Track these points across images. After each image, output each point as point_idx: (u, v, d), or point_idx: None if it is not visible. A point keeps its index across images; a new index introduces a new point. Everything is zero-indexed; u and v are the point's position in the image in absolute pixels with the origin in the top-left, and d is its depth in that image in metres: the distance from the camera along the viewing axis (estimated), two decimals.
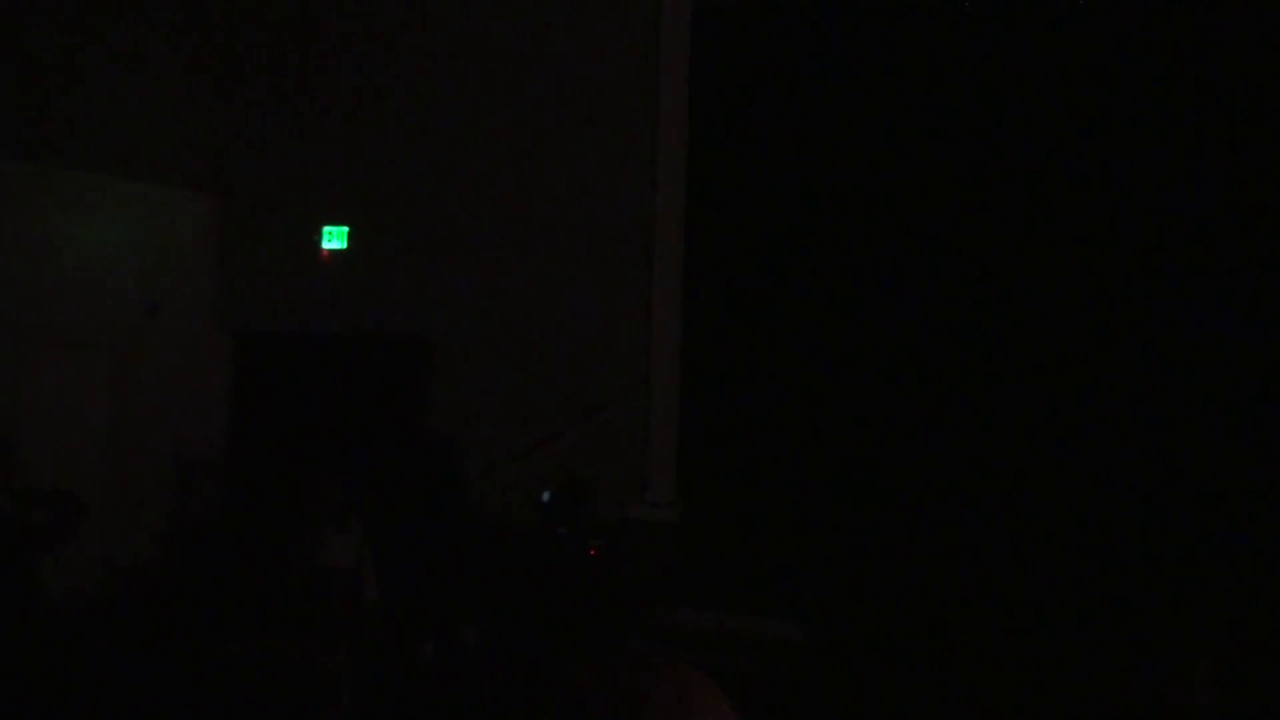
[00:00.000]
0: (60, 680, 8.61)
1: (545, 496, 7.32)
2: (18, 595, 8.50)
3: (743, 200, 10.95)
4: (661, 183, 10.96)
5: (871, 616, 9.02)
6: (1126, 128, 9.98)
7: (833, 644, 8.71)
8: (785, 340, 10.85)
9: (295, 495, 9.03)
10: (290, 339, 12.03)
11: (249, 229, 12.03)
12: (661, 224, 10.96)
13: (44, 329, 10.33)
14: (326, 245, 11.78)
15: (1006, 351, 10.23)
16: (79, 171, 10.55)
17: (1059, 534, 9.59)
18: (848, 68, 10.72)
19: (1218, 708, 5.67)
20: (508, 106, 11.31)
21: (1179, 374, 9.71)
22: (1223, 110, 9.76)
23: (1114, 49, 10.03)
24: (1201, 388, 9.66)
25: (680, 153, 10.97)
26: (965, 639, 8.58)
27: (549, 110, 11.20)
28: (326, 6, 11.88)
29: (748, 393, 10.94)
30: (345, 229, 11.74)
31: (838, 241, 10.72)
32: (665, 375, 11.01)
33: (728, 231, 11.00)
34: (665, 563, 10.15)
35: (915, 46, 10.53)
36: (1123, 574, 9.16)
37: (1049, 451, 9.95)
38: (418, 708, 7.98)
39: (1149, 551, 9.28)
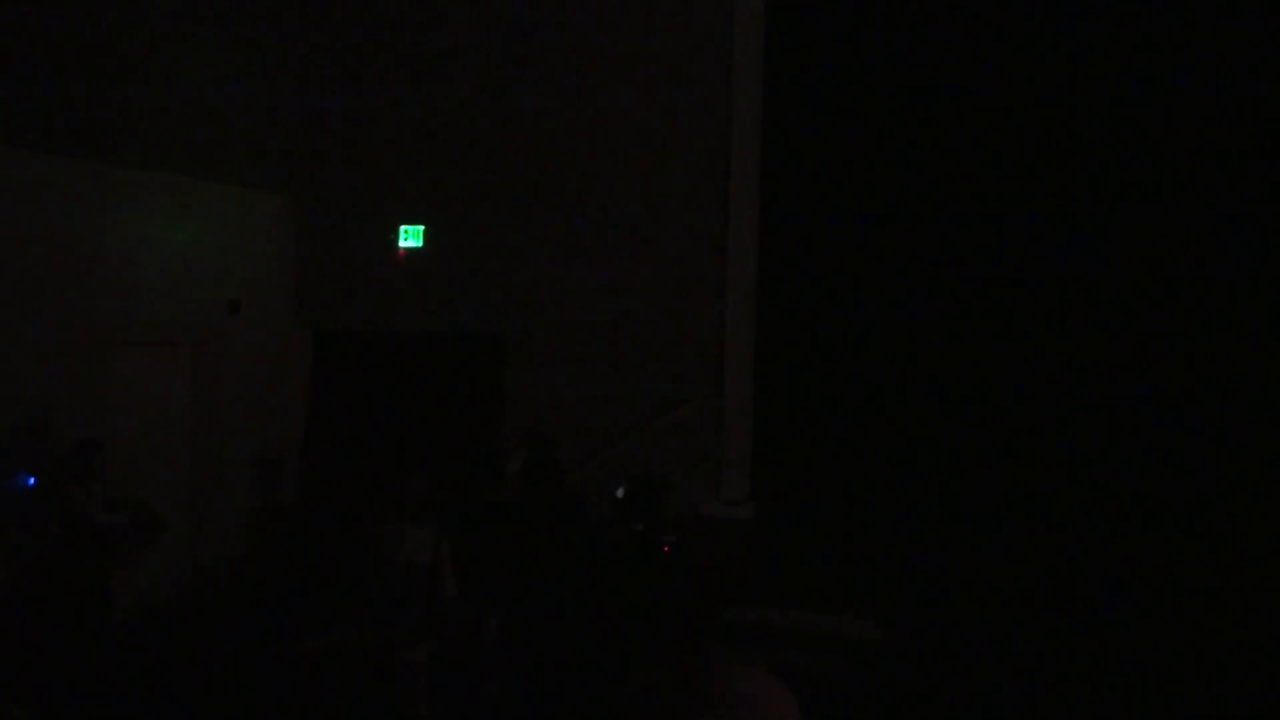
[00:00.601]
0: (144, 675, 8.79)
1: (620, 493, 7.37)
2: (97, 598, 8.70)
3: (818, 196, 10.93)
4: (735, 180, 10.96)
5: (945, 614, 8.98)
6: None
7: (906, 642, 8.68)
8: (860, 337, 10.82)
9: (373, 492, 9.15)
10: (367, 337, 12.18)
11: (327, 228, 12.18)
12: (735, 221, 10.97)
13: (129, 328, 10.52)
14: (403, 244, 11.90)
15: (1090, 348, 10.15)
16: (162, 173, 10.74)
17: (1137, 537, 9.50)
18: (927, 54, 10.66)
19: None
20: (582, 106, 11.36)
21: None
22: None
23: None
24: None
25: (754, 150, 10.97)
26: (1038, 638, 8.52)
27: (624, 110, 11.24)
28: (402, 8, 11.99)
29: (822, 390, 10.93)
30: (421, 228, 11.85)
31: (917, 235, 10.67)
32: (739, 372, 11.02)
33: (803, 228, 10.98)
34: (738, 560, 10.16)
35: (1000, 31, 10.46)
36: (1200, 574, 9.07)
37: (1131, 457, 9.87)
38: (493, 701, 8.06)
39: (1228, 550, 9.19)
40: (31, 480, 8.83)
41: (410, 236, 11.87)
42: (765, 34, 11.05)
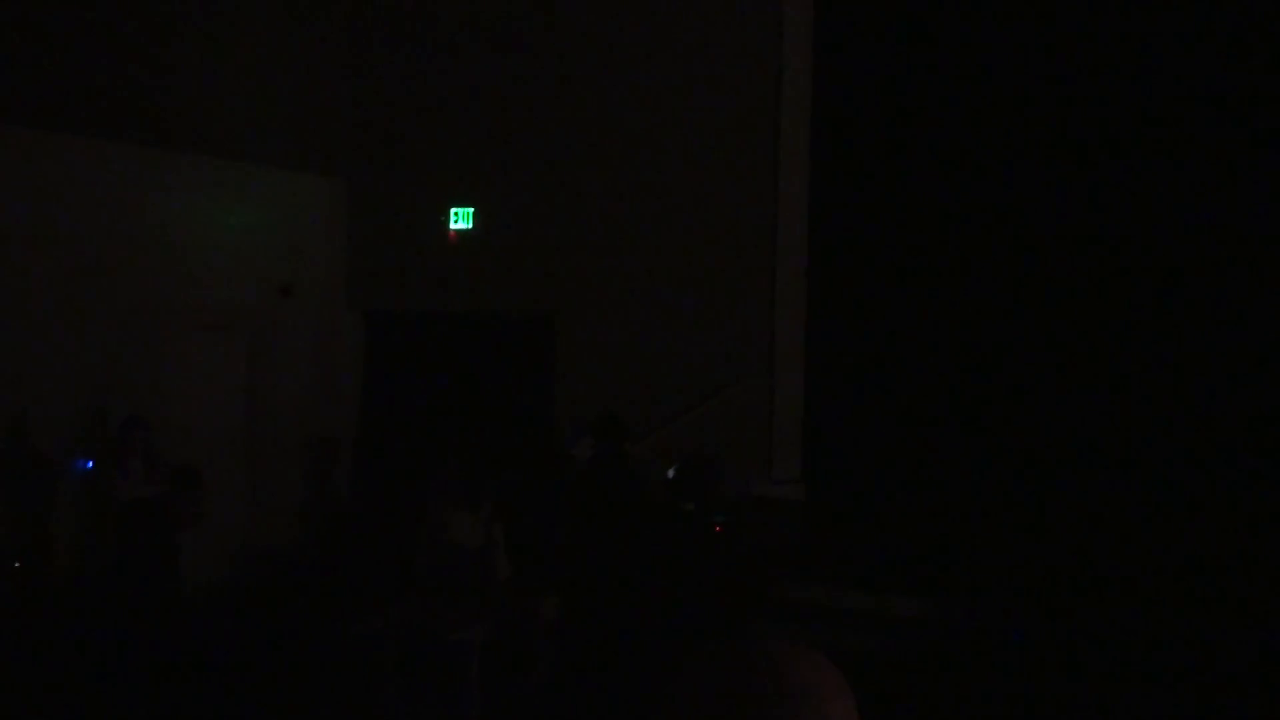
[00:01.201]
0: (198, 655, 8.91)
1: (671, 473, 7.37)
2: (162, 571, 8.80)
3: (869, 177, 10.88)
4: (785, 162, 10.94)
5: (995, 594, 8.95)
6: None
7: (956, 622, 8.66)
8: (911, 317, 10.78)
9: (425, 474, 9.21)
10: (418, 319, 12.24)
11: (378, 211, 12.26)
12: (785, 203, 10.95)
13: (185, 312, 10.64)
14: (453, 226, 11.95)
15: (1148, 323, 10.08)
16: (217, 158, 10.84)
17: (1187, 518, 9.43)
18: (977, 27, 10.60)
19: None
20: (634, 88, 11.36)
21: None
22: None
23: None
24: None
25: (804, 130, 10.94)
26: (1088, 619, 8.48)
27: (675, 92, 11.23)
28: None
29: (872, 370, 10.90)
30: (471, 210, 11.90)
31: (971, 215, 10.61)
32: (790, 352, 11.00)
33: (854, 209, 10.94)
34: (789, 540, 10.17)
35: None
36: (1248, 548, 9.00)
37: (1181, 435, 9.80)
38: (546, 683, 8.12)
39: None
40: (89, 464, 8.97)
41: (461, 219, 11.92)
42: (814, 11, 10.99)
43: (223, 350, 11.20)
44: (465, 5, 11.97)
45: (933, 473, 10.41)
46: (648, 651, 6.84)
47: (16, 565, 8.86)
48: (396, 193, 12.15)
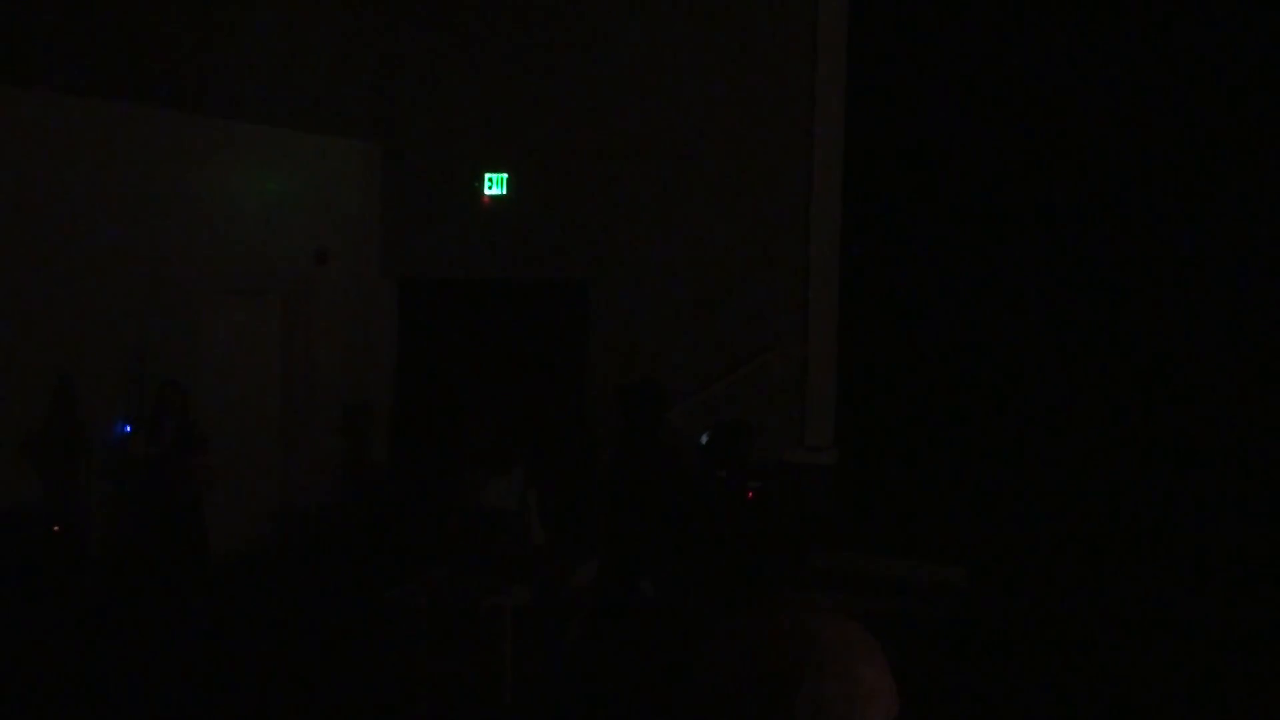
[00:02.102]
0: (234, 619, 9.00)
1: (704, 439, 7.37)
2: (182, 531, 8.90)
3: (905, 144, 10.82)
4: (820, 128, 10.88)
5: (1028, 560, 8.95)
6: None
7: (989, 588, 8.66)
8: (945, 284, 10.74)
9: (458, 439, 9.26)
10: (452, 284, 12.27)
11: (412, 177, 12.27)
12: (820, 169, 10.90)
13: (222, 277, 10.70)
14: (488, 191, 11.95)
15: (1181, 298, 10.03)
16: (252, 124, 10.87)
17: (1227, 481, 9.40)
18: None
19: None
20: (670, 53, 11.32)
21: None
22: None
23: None
24: None
25: (839, 95, 10.88)
26: (1122, 584, 8.47)
27: (711, 58, 11.18)
28: None
29: (906, 336, 10.87)
30: (505, 175, 11.90)
31: (1005, 184, 10.56)
32: (824, 318, 10.98)
33: (889, 176, 10.89)
34: (823, 506, 10.18)
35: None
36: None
37: (1219, 404, 9.76)
38: (579, 647, 8.16)
39: None
40: (128, 428, 9.05)
41: (495, 184, 11.92)
42: None
43: (259, 315, 11.27)
44: None
45: (965, 440, 10.40)
46: (681, 618, 6.87)
47: (56, 529, 8.97)
48: (431, 159, 12.16)
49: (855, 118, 10.89)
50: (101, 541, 9.49)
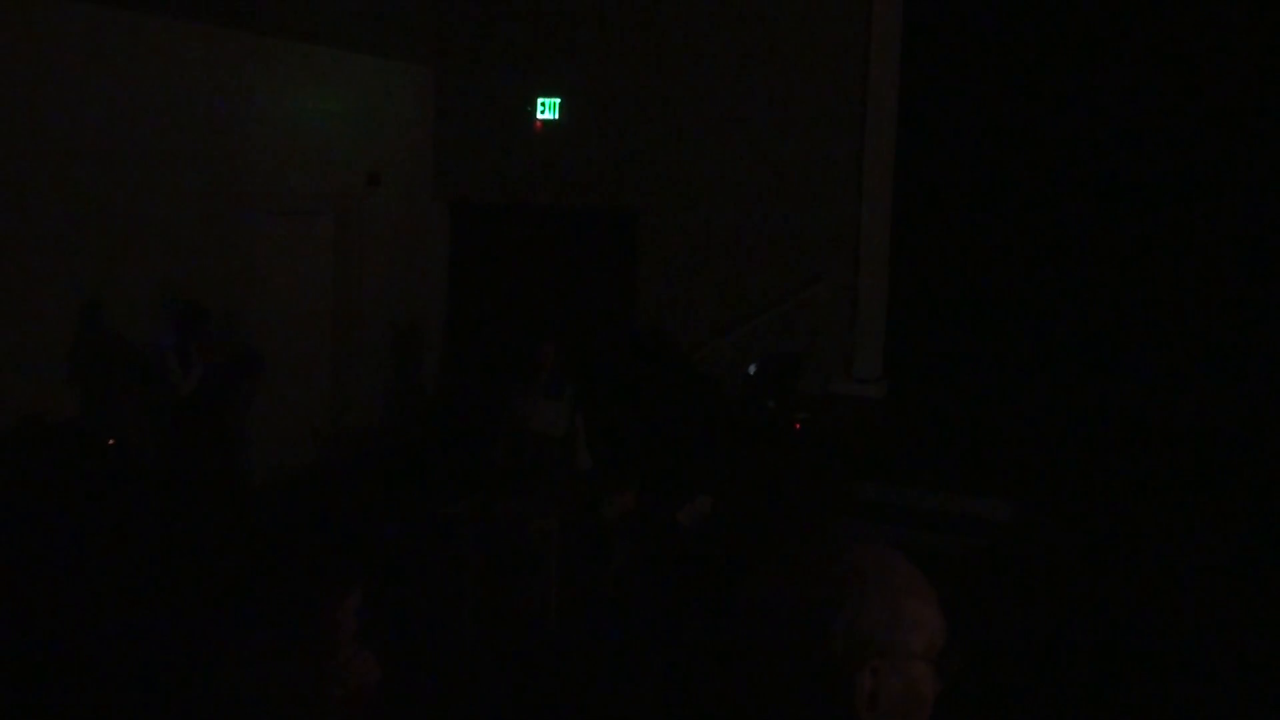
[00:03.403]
0: (279, 539, 9.11)
1: (751, 369, 7.39)
2: (222, 444, 9.00)
3: (961, 76, 10.68)
4: (875, 58, 10.75)
5: (1077, 495, 8.91)
6: None
7: (1037, 523, 8.64)
8: (997, 216, 10.64)
9: (508, 364, 9.30)
10: (503, 210, 12.27)
11: (465, 100, 12.23)
12: (874, 95, 10.78)
13: (273, 198, 10.72)
14: (540, 116, 11.90)
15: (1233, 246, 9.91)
16: (305, 44, 10.85)
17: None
18: None
19: None
20: None
21: None
22: None
23: None
24: None
25: (896, 18, 10.73)
26: (1171, 522, 8.42)
27: None
28: None
29: (957, 268, 10.79)
30: (558, 100, 11.84)
31: (1062, 118, 10.43)
32: (875, 249, 10.90)
33: (944, 106, 10.76)
34: (869, 438, 10.16)
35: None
36: None
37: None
38: (622, 573, 8.22)
39: None
40: (170, 344, 9.13)
41: (547, 109, 11.87)
42: None
43: (311, 237, 11.30)
44: None
45: (1014, 374, 10.34)
46: (725, 547, 6.91)
47: (111, 443, 9.07)
48: (484, 82, 12.11)
49: (912, 47, 10.75)
50: (157, 455, 9.59)
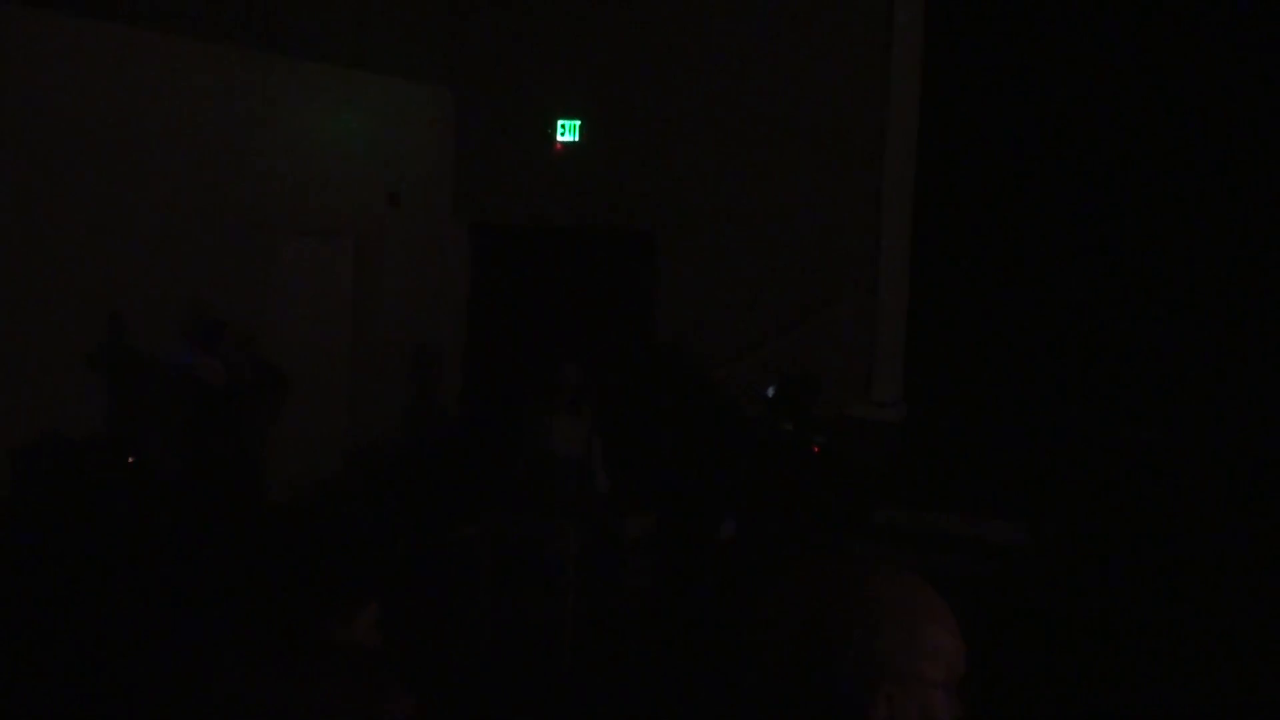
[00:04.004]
0: (294, 555, 9.09)
1: (769, 391, 7.37)
2: (242, 461, 9.00)
3: (981, 101, 10.67)
4: (894, 79, 10.75)
5: (1093, 521, 8.86)
6: None
7: (1053, 548, 8.59)
8: (1017, 241, 10.61)
9: (527, 383, 9.30)
10: (523, 230, 12.29)
11: (485, 121, 12.26)
12: (894, 123, 10.77)
13: (294, 217, 10.76)
14: (560, 138, 11.93)
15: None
16: (325, 64, 10.90)
17: None
18: None
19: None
20: (738, 2, 11.22)
21: None
22: None
23: None
24: None
25: (916, 46, 10.73)
26: (1188, 547, 8.37)
27: (787, 9, 11.06)
28: None
29: (976, 293, 10.76)
30: (578, 122, 11.86)
31: (1083, 139, 10.40)
32: (894, 273, 10.89)
33: (964, 133, 10.74)
34: (887, 462, 10.13)
35: None
36: None
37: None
38: (640, 595, 8.21)
39: None
40: (189, 359, 9.16)
41: (568, 131, 11.89)
42: None
43: (331, 257, 11.34)
44: None
45: (1034, 398, 10.30)
46: (741, 569, 6.89)
47: (130, 461, 9.10)
48: (504, 104, 12.15)
49: (932, 69, 10.74)
50: (177, 473, 9.60)
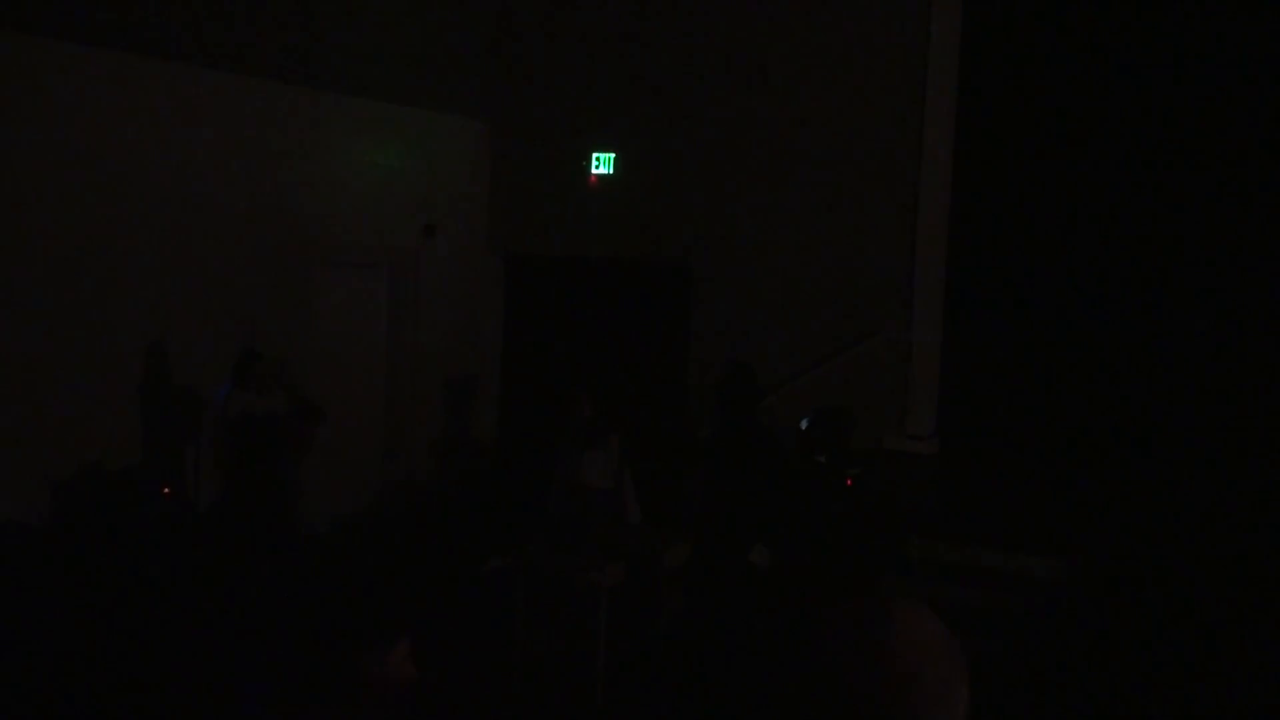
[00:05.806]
0: (328, 587, 9.12)
1: (804, 424, 7.34)
2: (275, 494, 9.03)
3: (1015, 136, 10.67)
4: (930, 116, 10.76)
5: (1127, 556, 8.80)
6: None
7: (1087, 583, 8.53)
8: (1052, 275, 10.59)
9: (559, 415, 9.33)
10: (557, 263, 12.34)
11: (520, 154, 12.35)
12: (929, 158, 10.78)
13: (332, 249, 10.85)
14: (595, 171, 12.00)
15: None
16: (363, 99, 11.01)
17: None
18: None
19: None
20: (774, 35, 11.26)
21: None
22: None
23: None
24: None
25: (951, 82, 10.74)
26: (1220, 583, 8.29)
27: (821, 41, 11.10)
28: None
29: (1012, 326, 10.74)
30: (613, 155, 11.93)
31: (1119, 171, 10.38)
32: (928, 307, 10.87)
33: (998, 166, 10.75)
34: (922, 495, 10.10)
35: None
36: None
37: None
38: (673, 627, 8.19)
39: None
40: (224, 392, 9.23)
41: (602, 164, 11.96)
42: None
43: (367, 287, 11.42)
44: None
45: (1069, 435, 10.25)
46: (775, 604, 6.86)
47: (166, 491, 9.17)
48: (540, 137, 12.23)
49: (967, 105, 10.75)
50: (208, 505, 9.67)
